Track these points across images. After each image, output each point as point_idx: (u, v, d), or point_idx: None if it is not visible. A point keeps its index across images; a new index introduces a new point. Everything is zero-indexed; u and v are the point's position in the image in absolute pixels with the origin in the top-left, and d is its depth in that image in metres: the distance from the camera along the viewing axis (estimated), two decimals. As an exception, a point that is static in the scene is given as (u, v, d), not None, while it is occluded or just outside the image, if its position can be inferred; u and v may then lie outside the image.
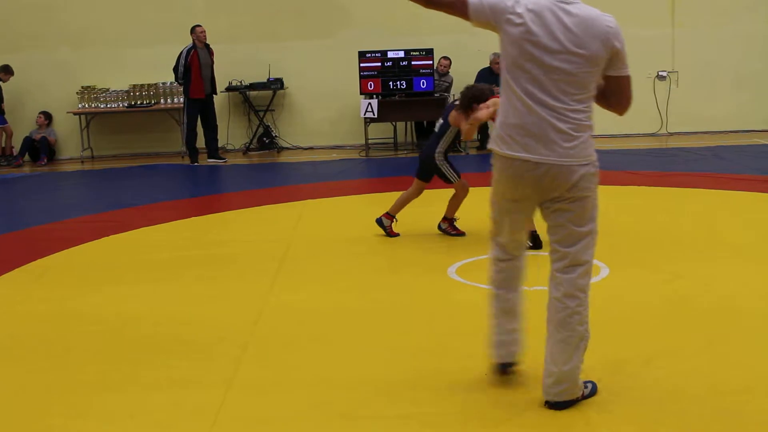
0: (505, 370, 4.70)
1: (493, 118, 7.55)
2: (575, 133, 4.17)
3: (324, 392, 4.74)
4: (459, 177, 8.24)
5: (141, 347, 5.61)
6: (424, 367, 5.04)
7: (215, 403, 4.63)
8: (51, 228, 9.52)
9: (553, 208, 4.31)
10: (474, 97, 7.53)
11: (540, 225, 7.31)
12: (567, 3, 4.13)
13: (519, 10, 4.15)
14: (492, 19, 4.24)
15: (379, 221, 8.44)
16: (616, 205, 9.08)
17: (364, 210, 10.20)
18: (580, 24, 4.08)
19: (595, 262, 6.94)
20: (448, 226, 8.37)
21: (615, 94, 4.26)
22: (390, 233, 8.38)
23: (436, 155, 8.14)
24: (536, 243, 7.42)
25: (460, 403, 4.54)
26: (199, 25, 14.23)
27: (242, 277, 7.21)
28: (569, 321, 4.36)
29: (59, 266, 7.82)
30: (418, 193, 8.44)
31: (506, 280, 4.68)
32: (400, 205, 8.46)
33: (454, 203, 8.33)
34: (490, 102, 7.35)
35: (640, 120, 15.37)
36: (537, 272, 6.78)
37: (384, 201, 10.60)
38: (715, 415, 4.28)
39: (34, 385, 5.07)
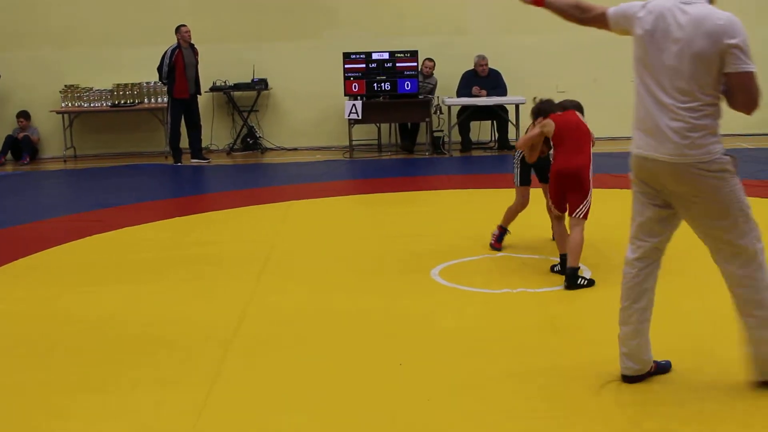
0: (630, 381, 4.72)
1: (535, 145, 7.19)
2: (689, 132, 4.30)
3: (307, 394, 4.74)
4: (519, 184, 7.68)
5: (124, 347, 5.59)
6: (405, 370, 5.04)
7: (198, 404, 4.63)
8: (33, 227, 9.48)
9: (683, 205, 4.47)
10: (537, 111, 7.18)
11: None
12: (687, 3, 4.28)
13: (641, 14, 4.40)
14: (625, 26, 4.51)
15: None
16: (602, 209, 9.09)
17: (349, 211, 10.21)
18: (691, 22, 4.22)
19: (579, 265, 7.02)
20: (497, 235, 7.81)
21: (737, 91, 4.35)
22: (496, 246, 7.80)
23: (516, 153, 7.71)
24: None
25: (441, 406, 4.55)
26: (184, 25, 14.18)
27: (226, 278, 7.19)
28: (757, 301, 4.44)
29: (42, 266, 7.78)
30: (518, 197, 7.77)
31: (631, 288, 4.71)
32: (508, 217, 7.83)
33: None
34: (545, 122, 6.95)
35: (623, 123, 15.27)
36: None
37: (368, 202, 10.63)
38: (697, 419, 4.30)
39: (16, 385, 5.05)
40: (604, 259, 7.24)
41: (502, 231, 7.77)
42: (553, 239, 7.68)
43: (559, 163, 6.85)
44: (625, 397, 4.56)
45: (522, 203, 7.73)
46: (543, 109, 7.14)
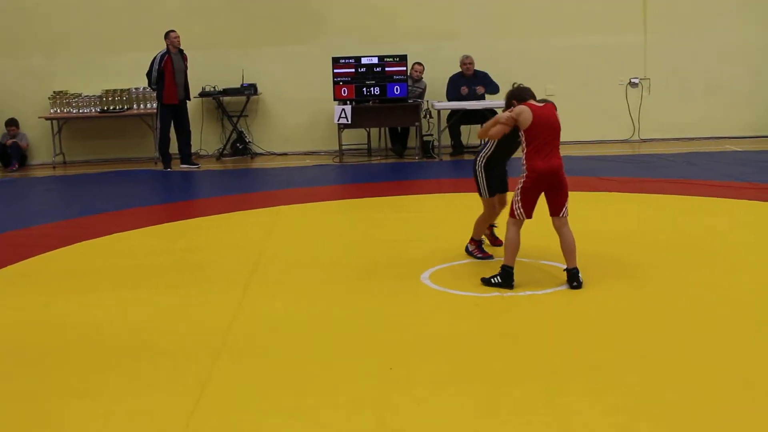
0: None
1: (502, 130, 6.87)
2: None
3: (296, 399, 4.74)
4: (490, 195, 7.45)
5: (114, 353, 5.58)
6: (395, 374, 5.05)
7: (188, 409, 4.62)
8: (22, 234, 9.44)
9: None
10: (513, 94, 6.92)
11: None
12: None
13: None
14: None
15: (469, 252, 7.68)
16: (588, 211, 9.12)
17: (338, 216, 10.21)
18: None
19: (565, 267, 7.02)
20: (475, 249, 7.64)
21: None
22: (484, 255, 7.61)
23: (477, 160, 7.45)
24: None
25: (431, 410, 4.55)
26: (173, 31, 14.17)
27: (215, 284, 7.18)
28: None
29: (31, 273, 7.76)
30: (489, 209, 7.59)
31: None
32: (478, 229, 7.66)
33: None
34: (521, 108, 6.66)
35: (612, 126, 15.45)
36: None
37: (358, 207, 10.62)
38: (688, 420, 4.31)
39: (7, 392, 5.03)
40: (595, 262, 7.24)
41: (478, 242, 7.68)
42: (496, 244, 7.71)
43: (538, 163, 6.60)
44: (618, 399, 4.57)
45: (493, 214, 7.63)
46: (520, 95, 6.87)
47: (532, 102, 6.75)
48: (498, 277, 6.70)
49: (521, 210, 6.70)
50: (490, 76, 14.64)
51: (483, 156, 7.42)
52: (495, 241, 7.90)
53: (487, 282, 6.74)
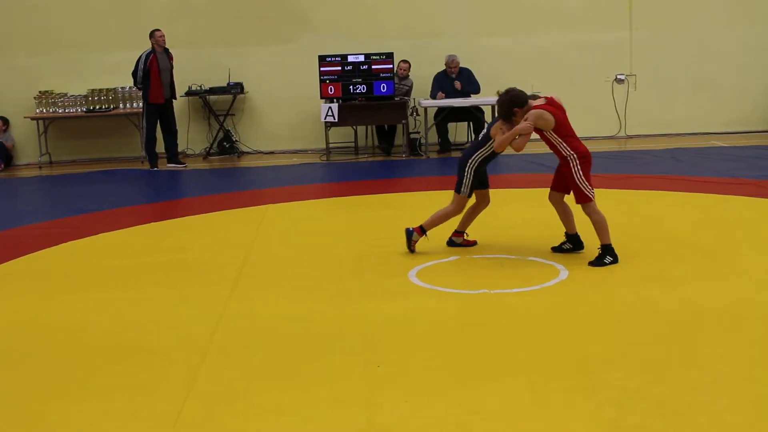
0: None
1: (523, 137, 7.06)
2: None
3: (284, 398, 4.74)
4: (468, 194, 7.54)
5: (99, 354, 5.56)
6: (383, 371, 5.05)
7: (174, 410, 4.61)
8: (8, 234, 9.41)
9: None
10: (512, 101, 7.03)
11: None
12: None
13: None
14: None
15: (408, 233, 7.74)
16: (575, 208, 9.13)
17: (326, 214, 10.20)
18: None
19: (553, 264, 7.05)
20: (463, 240, 7.85)
21: None
22: (413, 248, 7.71)
23: (471, 158, 7.48)
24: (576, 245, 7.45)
25: (419, 407, 4.55)
26: (158, 30, 14.12)
27: (202, 283, 7.16)
28: None
29: (16, 273, 7.73)
30: (459, 208, 7.68)
31: None
32: (437, 221, 7.73)
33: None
34: (530, 114, 6.91)
35: (598, 123, 15.46)
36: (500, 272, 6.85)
37: (345, 205, 10.62)
38: (676, 415, 4.33)
39: (-9, 393, 5.02)
40: (581, 258, 7.27)
41: (425, 231, 7.78)
42: (470, 245, 7.85)
43: (583, 148, 7.17)
44: (606, 394, 4.58)
45: (458, 212, 7.72)
46: (520, 100, 7.04)
47: (534, 102, 7.07)
48: (608, 257, 7.09)
49: (592, 191, 7.19)
50: (474, 75, 14.64)
51: (479, 155, 7.49)
52: (469, 243, 7.93)
53: (600, 264, 7.06)
